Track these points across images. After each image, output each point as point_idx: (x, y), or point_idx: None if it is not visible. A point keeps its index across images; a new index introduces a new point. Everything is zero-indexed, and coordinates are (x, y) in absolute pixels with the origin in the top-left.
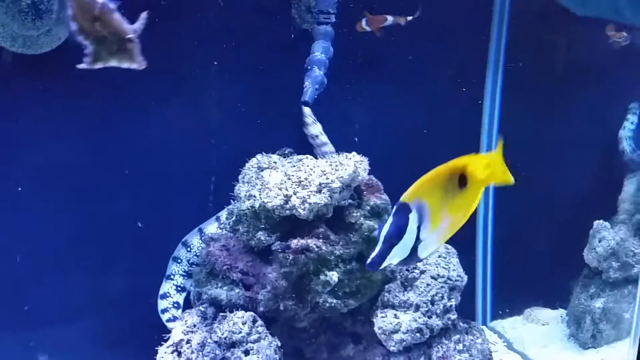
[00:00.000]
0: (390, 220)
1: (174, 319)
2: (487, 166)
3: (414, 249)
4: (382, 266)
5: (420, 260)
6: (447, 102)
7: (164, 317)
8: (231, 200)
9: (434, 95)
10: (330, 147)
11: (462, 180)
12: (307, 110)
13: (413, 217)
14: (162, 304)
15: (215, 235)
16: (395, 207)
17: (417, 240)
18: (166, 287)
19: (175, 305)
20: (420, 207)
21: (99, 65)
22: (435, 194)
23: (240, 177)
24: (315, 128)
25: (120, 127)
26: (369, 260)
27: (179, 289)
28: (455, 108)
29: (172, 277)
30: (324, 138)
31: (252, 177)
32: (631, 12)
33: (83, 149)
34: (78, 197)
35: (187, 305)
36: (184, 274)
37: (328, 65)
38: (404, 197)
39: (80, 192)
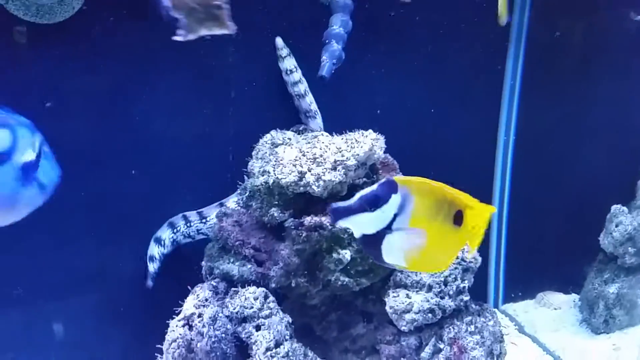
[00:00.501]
0: (373, 186)
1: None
2: (479, 220)
3: (380, 236)
4: (344, 224)
5: (381, 260)
6: (467, 83)
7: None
8: (242, 179)
9: (454, 78)
10: (304, 87)
11: (458, 218)
12: (279, 41)
13: (395, 201)
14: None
15: (228, 211)
16: (383, 179)
17: (389, 228)
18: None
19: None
20: (406, 198)
21: (192, 37)
22: (427, 202)
23: (254, 153)
24: (289, 62)
25: (132, 102)
26: (334, 205)
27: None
28: (476, 89)
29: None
30: (297, 76)
31: (266, 153)
32: None
33: (94, 121)
34: (88, 170)
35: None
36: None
37: (346, 39)
38: (396, 178)
39: (90, 166)
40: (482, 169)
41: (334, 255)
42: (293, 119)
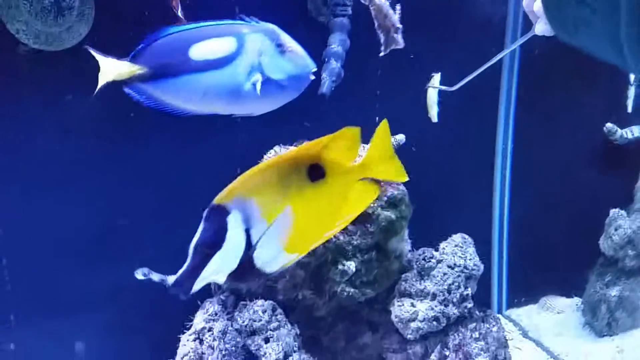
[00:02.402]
0: (201, 226)
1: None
2: (352, 151)
3: (248, 259)
4: (199, 285)
5: (265, 275)
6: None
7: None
8: None
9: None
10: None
11: (316, 171)
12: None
13: (235, 220)
14: None
15: None
16: (205, 212)
17: (250, 247)
18: None
19: None
20: (245, 207)
21: (387, 51)
22: (267, 190)
23: None
24: None
25: (137, 123)
26: (174, 281)
27: None
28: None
29: None
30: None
31: None
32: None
33: (102, 145)
34: (99, 191)
35: None
36: None
37: (345, 57)
38: (217, 199)
39: (100, 186)
40: (481, 175)
41: (339, 267)
42: (296, 134)
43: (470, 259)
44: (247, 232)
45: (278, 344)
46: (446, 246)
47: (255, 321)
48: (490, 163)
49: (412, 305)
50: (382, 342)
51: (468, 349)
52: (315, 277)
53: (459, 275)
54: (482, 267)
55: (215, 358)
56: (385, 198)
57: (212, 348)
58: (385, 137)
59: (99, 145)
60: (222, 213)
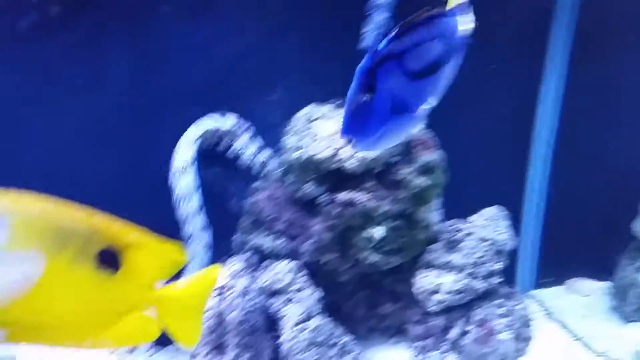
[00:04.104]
0: None
1: None
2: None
3: None
4: None
5: None
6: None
7: None
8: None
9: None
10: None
11: (109, 257)
12: None
13: None
14: None
15: (261, 185)
16: None
17: None
18: None
19: None
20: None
21: None
22: (38, 223)
23: (288, 127)
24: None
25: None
26: None
27: None
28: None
29: None
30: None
31: (301, 128)
32: None
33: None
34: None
35: None
36: None
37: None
38: None
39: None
40: (519, 147)
41: (366, 232)
42: (330, 92)
43: (502, 233)
44: None
45: (300, 306)
46: (477, 218)
47: (277, 282)
48: (528, 135)
49: (437, 277)
50: (403, 312)
51: (491, 324)
52: (340, 242)
53: (488, 250)
54: (513, 243)
55: (236, 316)
56: (420, 163)
57: (233, 306)
58: (205, 288)
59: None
60: None
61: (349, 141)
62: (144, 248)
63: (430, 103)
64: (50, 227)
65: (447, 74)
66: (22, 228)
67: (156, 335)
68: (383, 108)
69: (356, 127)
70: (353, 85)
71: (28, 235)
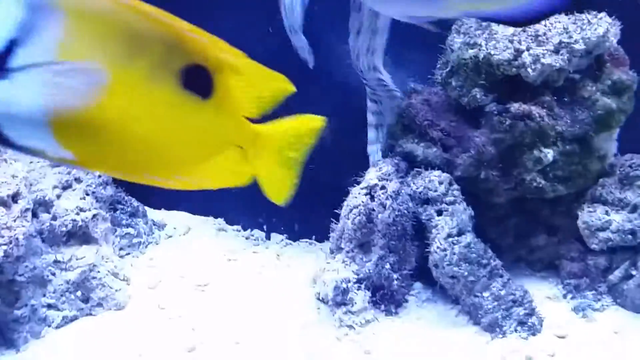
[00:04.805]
0: None
1: None
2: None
3: None
4: None
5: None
6: None
7: None
8: None
9: None
10: None
11: (199, 78)
12: None
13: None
14: None
15: (418, 87)
16: None
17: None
18: None
19: None
20: (41, 9)
21: None
22: (102, 27)
23: (454, 27)
24: None
25: None
26: None
27: None
28: None
29: None
30: None
31: (471, 27)
32: None
33: None
34: None
35: None
36: None
37: None
38: None
39: None
40: None
41: (536, 152)
42: None
43: None
44: (11, 44)
45: (452, 219)
46: None
47: (430, 190)
48: None
49: (606, 213)
50: (558, 247)
51: None
52: (504, 159)
53: None
54: None
55: (387, 217)
56: (609, 82)
57: (384, 206)
58: (308, 137)
59: None
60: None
61: None
62: (242, 71)
63: None
64: (118, 31)
65: None
66: (81, 30)
67: (247, 180)
68: None
69: None
70: None
71: (89, 38)
